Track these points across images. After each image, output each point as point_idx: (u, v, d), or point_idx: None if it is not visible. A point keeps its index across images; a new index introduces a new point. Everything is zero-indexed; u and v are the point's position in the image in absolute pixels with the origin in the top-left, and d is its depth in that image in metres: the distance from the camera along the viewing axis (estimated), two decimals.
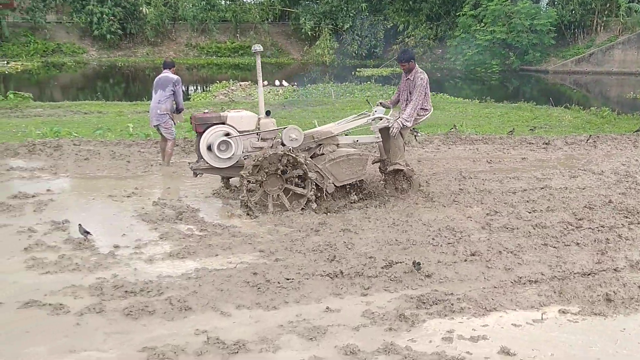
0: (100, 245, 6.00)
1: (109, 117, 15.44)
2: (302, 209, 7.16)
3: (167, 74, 9.42)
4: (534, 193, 8.12)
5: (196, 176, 7.80)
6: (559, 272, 5.47)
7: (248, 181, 6.94)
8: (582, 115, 16.78)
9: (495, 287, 5.14)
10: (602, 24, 37.36)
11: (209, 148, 7.26)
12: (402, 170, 7.73)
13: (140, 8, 39.58)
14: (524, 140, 12.12)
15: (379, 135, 7.78)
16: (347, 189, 7.72)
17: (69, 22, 40.70)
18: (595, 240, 6.28)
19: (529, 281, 5.27)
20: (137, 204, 7.43)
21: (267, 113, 7.62)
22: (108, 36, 39.09)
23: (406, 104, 7.75)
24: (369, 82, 25.47)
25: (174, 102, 9.44)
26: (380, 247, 6.04)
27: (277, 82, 25.01)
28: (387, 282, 5.20)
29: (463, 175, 9.00)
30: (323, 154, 7.58)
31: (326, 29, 40.69)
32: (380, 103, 8.05)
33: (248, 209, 6.98)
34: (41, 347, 4.08)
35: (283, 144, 7.19)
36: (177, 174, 8.95)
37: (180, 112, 9.55)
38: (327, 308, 4.71)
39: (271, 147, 7.16)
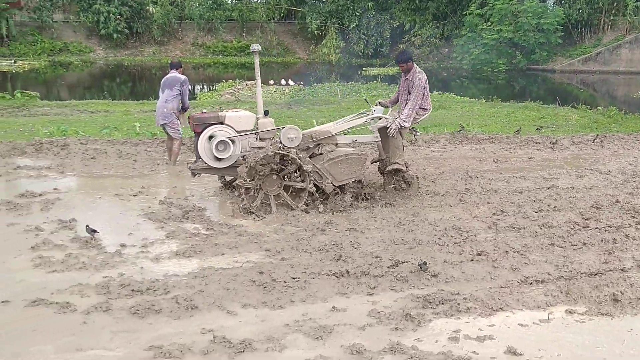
0: (107, 244, 6.02)
1: (116, 116, 15.49)
2: (306, 204, 7.16)
3: (174, 74, 9.44)
4: (541, 193, 8.10)
5: (194, 176, 7.79)
6: (565, 272, 5.45)
7: (247, 188, 6.96)
8: (589, 115, 16.71)
9: (501, 287, 5.13)
10: (610, 23, 37.20)
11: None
12: (401, 170, 7.72)
13: (147, 7, 39.65)
14: (530, 140, 12.09)
15: (378, 134, 7.75)
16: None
17: (76, 21, 40.81)
18: (602, 240, 6.26)
19: (536, 281, 5.26)
20: (144, 203, 7.44)
21: (266, 113, 7.59)
22: (115, 35, 39.18)
23: (405, 104, 7.73)
24: (375, 81, 25.46)
25: (181, 102, 9.45)
26: (386, 246, 6.04)
27: (283, 82, 25.03)
28: (393, 282, 5.20)
29: (469, 175, 8.98)
30: (322, 153, 7.56)
31: (332, 28, 40.67)
32: (379, 102, 8.03)
33: (252, 213, 6.98)
34: (48, 345, 4.10)
35: (282, 144, 7.18)
36: (183, 173, 8.95)
37: (185, 111, 9.56)
38: (333, 307, 4.71)
39: (270, 146, 7.15)
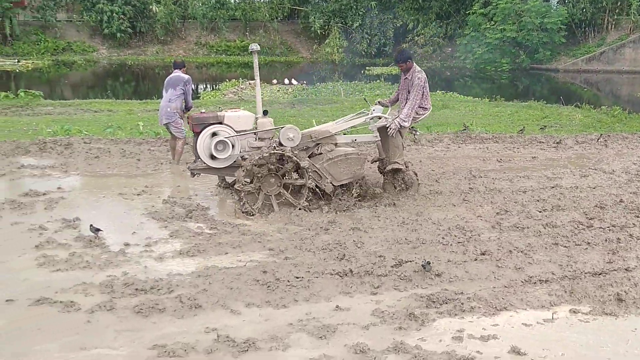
0: (111, 243, 6.03)
1: (119, 116, 15.51)
2: (308, 200, 7.15)
3: (178, 73, 9.45)
4: (545, 192, 8.08)
5: (193, 176, 7.77)
6: (569, 271, 5.44)
7: (247, 191, 6.97)
8: (592, 114, 16.68)
9: (505, 287, 5.12)
10: (613, 23, 37.14)
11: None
12: (400, 169, 7.71)
13: (150, 6, 39.73)
14: (534, 139, 12.07)
15: (377, 134, 7.74)
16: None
17: (79, 21, 40.89)
18: (606, 240, 6.24)
19: (540, 280, 5.25)
20: (147, 202, 7.45)
21: (265, 112, 7.58)
22: (118, 35, 39.24)
23: (405, 103, 7.72)
24: (378, 81, 25.43)
25: (184, 101, 9.46)
26: (390, 246, 6.03)
27: (286, 81, 25.06)
28: (396, 281, 5.20)
29: (473, 174, 8.97)
30: (321, 153, 7.56)
31: (335, 28, 40.66)
32: (379, 102, 8.02)
33: (254, 215, 6.98)
34: (52, 344, 4.11)
35: (281, 144, 7.17)
36: (187, 173, 8.93)
37: (188, 110, 9.57)
38: (337, 307, 4.71)
39: (268, 147, 7.13)
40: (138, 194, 7.80)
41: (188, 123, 7.64)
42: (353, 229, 6.49)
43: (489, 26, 36.28)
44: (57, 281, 5.09)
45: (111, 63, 37.50)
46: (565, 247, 6.05)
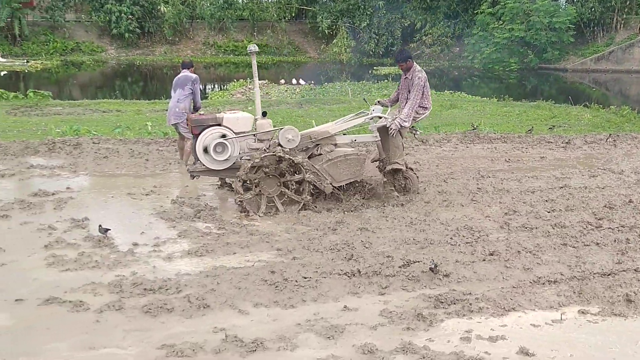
0: (119, 243, 6.05)
1: (128, 116, 15.56)
2: (311, 193, 7.14)
3: (186, 73, 9.47)
4: (553, 192, 8.06)
5: (193, 178, 7.78)
6: (578, 272, 5.43)
7: (248, 200, 6.98)
8: (601, 114, 16.61)
9: (514, 287, 5.11)
10: (622, 22, 36.93)
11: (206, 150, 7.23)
12: (400, 169, 7.69)
13: (159, 7, 39.74)
14: (542, 139, 12.03)
15: (377, 134, 7.72)
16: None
17: (88, 21, 41.02)
18: (615, 240, 6.22)
19: (548, 281, 5.24)
20: (156, 202, 7.48)
21: (264, 114, 7.57)
22: (126, 35, 39.32)
23: (405, 103, 7.71)
24: (385, 81, 25.41)
25: (192, 101, 9.47)
26: (397, 246, 6.03)
27: (294, 81, 25.07)
28: (404, 282, 5.20)
29: (481, 174, 8.95)
30: (321, 154, 7.55)
31: (343, 27, 40.58)
32: (378, 102, 8.01)
33: (261, 216, 6.99)
34: (61, 343, 4.13)
35: (280, 145, 7.17)
36: None
37: (197, 111, 9.59)
38: (345, 307, 4.71)
39: (255, 154, 7.12)
40: (146, 194, 7.82)
41: (187, 125, 7.63)
42: (361, 229, 6.49)
43: (497, 26, 36.15)
44: (66, 281, 5.12)
45: (119, 63, 37.61)
46: (574, 247, 6.04)
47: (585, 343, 4.24)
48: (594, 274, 5.40)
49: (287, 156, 6.97)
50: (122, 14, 38.48)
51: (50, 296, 4.78)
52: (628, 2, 36.35)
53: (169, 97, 9.84)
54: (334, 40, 40.73)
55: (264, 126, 7.39)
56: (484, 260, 5.68)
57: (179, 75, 9.51)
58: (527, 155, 10.70)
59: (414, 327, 4.39)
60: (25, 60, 33.36)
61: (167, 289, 4.97)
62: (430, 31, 40.16)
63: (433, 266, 5.28)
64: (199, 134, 7.21)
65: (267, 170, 7.00)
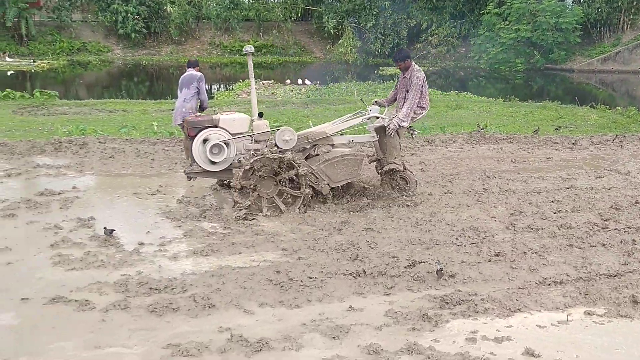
0: (125, 242, 6.07)
1: (134, 116, 15.58)
2: (310, 186, 7.13)
3: (191, 71, 9.48)
4: (559, 193, 8.04)
5: (190, 180, 7.78)
6: (584, 273, 5.41)
7: (248, 206, 6.97)
8: (608, 115, 16.54)
9: (519, 288, 5.10)
10: (629, 22, 36.75)
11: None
12: (398, 170, 7.68)
13: (165, 7, 39.79)
14: (548, 140, 11.99)
15: (374, 134, 7.70)
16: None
17: (94, 21, 41.09)
18: (621, 242, 6.20)
19: (554, 282, 5.23)
20: (162, 202, 7.49)
21: (260, 115, 7.57)
22: (133, 35, 39.37)
23: (403, 103, 7.69)
24: (391, 81, 25.35)
25: (199, 101, 9.47)
26: (403, 246, 6.03)
27: (299, 81, 25.06)
28: (410, 282, 5.19)
29: (487, 175, 8.93)
30: (318, 154, 7.55)
31: (349, 28, 40.52)
32: (376, 102, 8.00)
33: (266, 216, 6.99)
34: (67, 342, 4.14)
35: (277, 146, 7.16)
36: None
37: (203, 111, 9.59)
38: (350, 307, 4.71)
39: (243, 161, 7.12)
40: (152, 194, 7.84)
41: (182, 127, 7.64)
42: (366, 230, 6.49)
43: (503, 26, 36.03)
44: (72, 280, 5.13)
45: (126, 63, 37.66)
46: (580, 248, 6.02)
47: (591, 344, 4.23)
48: (600, 275, 5.38)
49: (275, 155, 6.94)
50: (129, 14, 38.52)
51: (56, 295, 4.80)
52: (635, 3, 36.14)
53: (175, 97, 9.86)
54: (340, 41, 40.67)
55: (260, 127, 7.39)
56: (490, 260, 5.67)
57: (184, 75, 9.51)
58: (533, 155, 10.67)
59: (419, 328, 4.39)
60: (32, 60, 33.44)
61: (172, 289, 4.98)
62: (436, 31, 40.07)
63: (438, 269, 5.27)
64: (196, 135, 7.23)
65: (260, 173, 6.99)
